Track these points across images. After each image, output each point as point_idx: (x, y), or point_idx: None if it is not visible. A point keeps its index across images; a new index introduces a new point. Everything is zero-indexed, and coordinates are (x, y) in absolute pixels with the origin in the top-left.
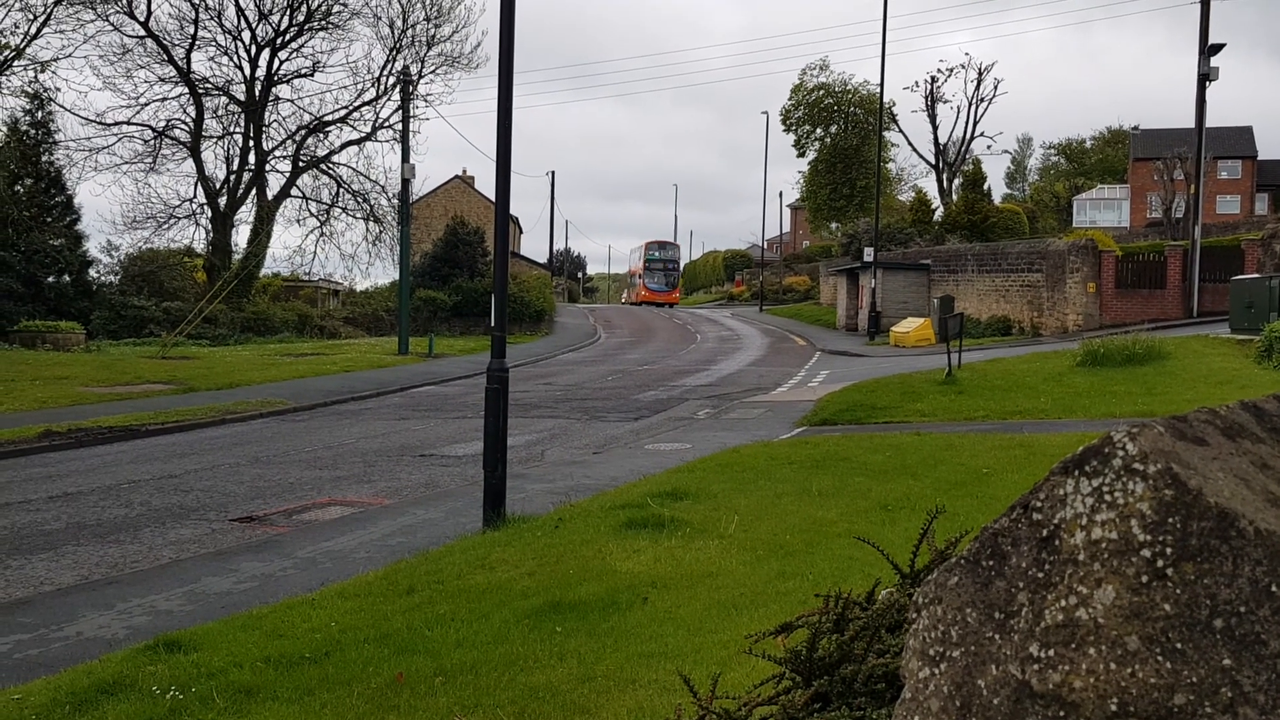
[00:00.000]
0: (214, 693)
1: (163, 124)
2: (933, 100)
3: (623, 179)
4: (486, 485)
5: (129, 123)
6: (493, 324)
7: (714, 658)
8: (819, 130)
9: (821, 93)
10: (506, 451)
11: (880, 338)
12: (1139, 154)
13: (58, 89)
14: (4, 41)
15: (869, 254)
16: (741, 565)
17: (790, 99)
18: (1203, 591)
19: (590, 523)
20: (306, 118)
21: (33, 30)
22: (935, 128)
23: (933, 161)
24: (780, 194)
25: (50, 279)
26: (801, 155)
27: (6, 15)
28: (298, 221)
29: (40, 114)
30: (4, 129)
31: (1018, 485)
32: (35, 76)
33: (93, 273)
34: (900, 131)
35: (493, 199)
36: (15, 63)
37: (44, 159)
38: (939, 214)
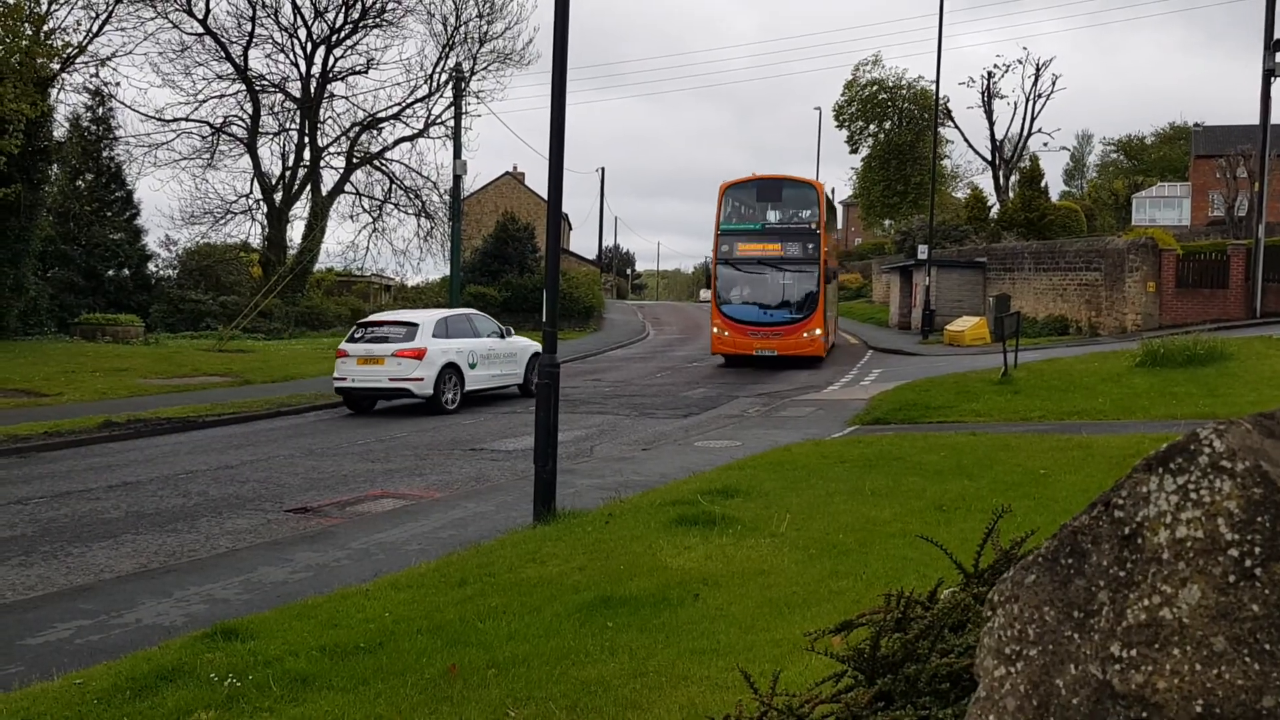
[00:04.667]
0: (270, 680)
1: (220, 120)
2: (989, 96)
3: (656, 176)
4: (537, 480)
5: (187, 119)
6: (544, 320)
7: (767, 656)
8: (872, 126)
9: (875, 88)
10: (557, 446)
11: (934, 336)
12: (1200, 151)
13: (118, 85)
14: (66, 39)
15: (923, 251)
16: (793, 564)
17: (843, 94)
18: None
19: (640, 519)
20: (360, 114)
21: (94, 28)
22: (992, 124)
23: (989, 158)
24: (832, 190)
25: (110, 272)
26: (854, 151)
27: (69, 13)
28: (351, 217)
29: (101, 110)
30: (66, 125)
31: (1076, 486)
32: (96, 73)
33: (151, 267)
34: (956, 127)
35: (543, 195)
36: (77, 59)
37: (104, 154)
38: (995, 211)
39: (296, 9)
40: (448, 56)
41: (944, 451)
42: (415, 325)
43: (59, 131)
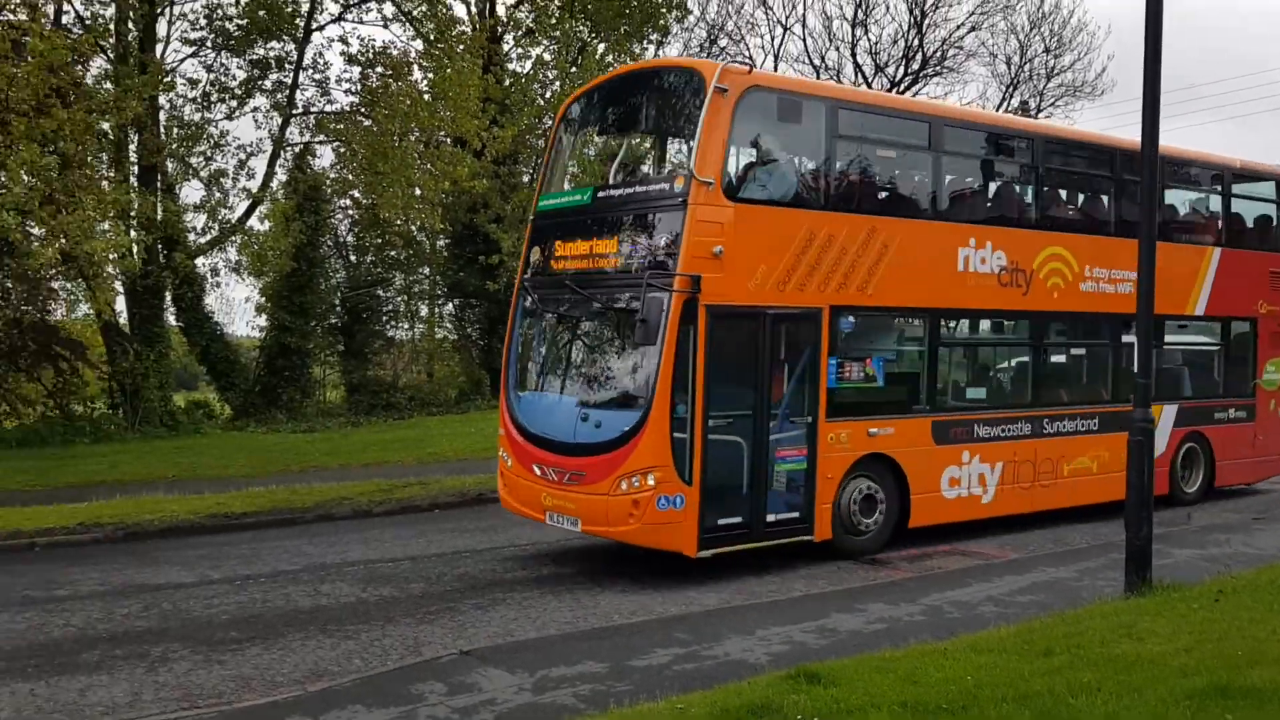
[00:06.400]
0: None
1: None
2: None
3: None
4: (1129, 547)
5: None
6: (1136, 368)
7: None
8: None
9: None
10: (1152, 511)
11: None
12: None
13: None
14: None
15: None
16: None
17: None
18: None
19: (1259, 597)
20: None
21: None
22: None
23: None
24: None
25: None
26: None
27: None
28: None
29: None
30: None
31: None
32: None
33: None
34: None
35: None
36: None
37: None
38: None
39: (858, 68)
40: (1011, 96)
41: None
42: None
43: None
